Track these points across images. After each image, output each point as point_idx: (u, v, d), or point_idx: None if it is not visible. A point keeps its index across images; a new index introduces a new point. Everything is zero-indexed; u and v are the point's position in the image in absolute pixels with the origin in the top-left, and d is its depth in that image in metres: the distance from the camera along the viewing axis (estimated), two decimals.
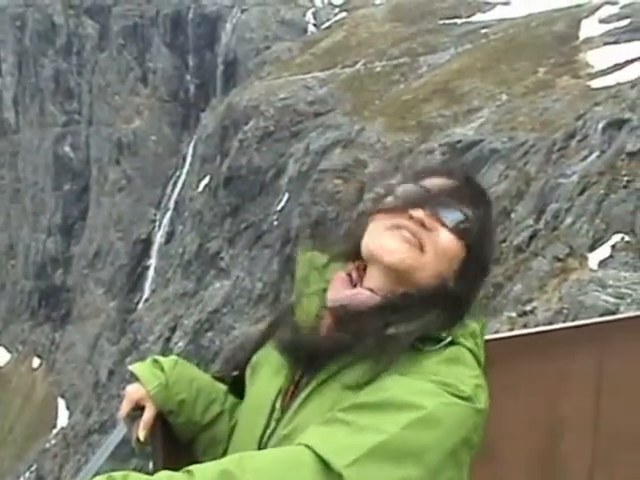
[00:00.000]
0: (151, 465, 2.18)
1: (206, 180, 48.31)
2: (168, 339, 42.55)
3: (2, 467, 64.26)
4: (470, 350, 1.79)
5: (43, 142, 72.30)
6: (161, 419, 2.08)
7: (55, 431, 62.03)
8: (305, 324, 1.89)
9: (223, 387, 2.21)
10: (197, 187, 49.91)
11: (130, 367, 2.11)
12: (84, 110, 71.02)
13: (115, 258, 63.31)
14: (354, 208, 30.83)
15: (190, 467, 1.48)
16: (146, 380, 2.05)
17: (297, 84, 44.83)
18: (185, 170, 58.49)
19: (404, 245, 1.80)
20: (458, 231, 1.84)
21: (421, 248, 1.80)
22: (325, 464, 1.47)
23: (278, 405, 1.85)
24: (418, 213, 1.82)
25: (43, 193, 71.93)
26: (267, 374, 1.95)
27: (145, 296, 55.26)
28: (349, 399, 1.66)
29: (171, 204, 59.20)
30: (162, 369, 2.09)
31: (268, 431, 1.84)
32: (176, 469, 2.09)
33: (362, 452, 1.49)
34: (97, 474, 1.99)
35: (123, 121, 68.21)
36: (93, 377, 56.38)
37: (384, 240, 1.82)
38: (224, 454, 2.04)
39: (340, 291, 1.87)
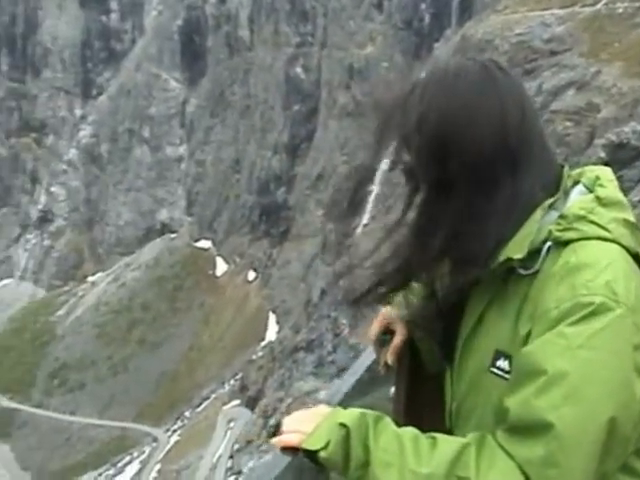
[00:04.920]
0: (392, 390, 2.20)
1: None
2: None
3: (210, 372, 67.50)
4: (585, 238, 1.58)
5: (276, 61, 73.70)
6: (410, 347, 2.10)
7: (263, 344, 64.40)
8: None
9: None
10: None
11: None
12: (318, 32, 71.72)
13: (337, 181, 64.28)
14: (583, 153, 29.99)
15: (436, 435, 1.49)
16: (400, 305, 2.07)
17: (534, 20, 43.92)
18: None
19: None
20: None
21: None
22: None
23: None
24: None
25: (272, 111, 73.56)
26: None
27: (364, 222, 55.84)
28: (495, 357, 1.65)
29: None
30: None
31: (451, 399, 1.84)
32: (417, 399, 2.14)
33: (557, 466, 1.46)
34: (346, 395, 2.17)
35: (356, 46, 68.38)
36: (305, 295, 57.84)
37: None
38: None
39: None
